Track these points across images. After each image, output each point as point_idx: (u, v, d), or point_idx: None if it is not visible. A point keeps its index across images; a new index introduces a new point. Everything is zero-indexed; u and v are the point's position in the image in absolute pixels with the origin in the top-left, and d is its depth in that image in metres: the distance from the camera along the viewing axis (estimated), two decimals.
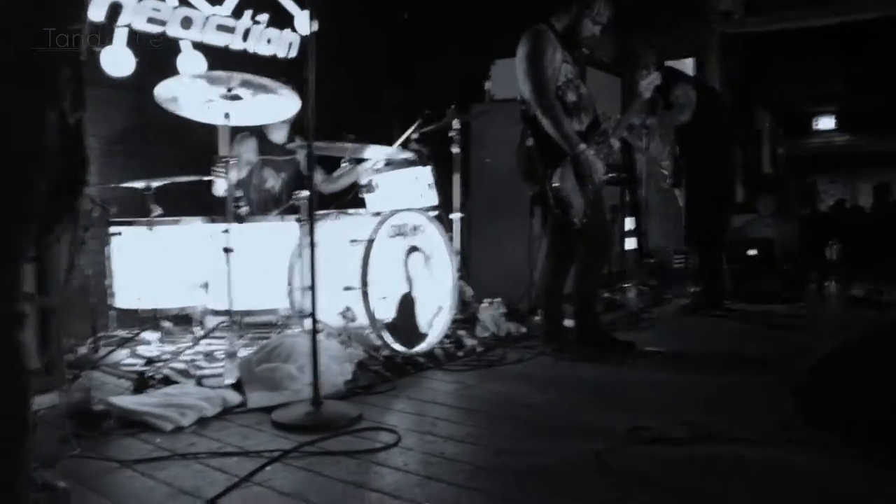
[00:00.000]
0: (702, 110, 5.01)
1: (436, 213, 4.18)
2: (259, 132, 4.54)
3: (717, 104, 5.32)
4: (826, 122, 14.35)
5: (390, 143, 4.31)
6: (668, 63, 5.38)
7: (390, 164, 4.31)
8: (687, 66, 6.88)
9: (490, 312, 4.24)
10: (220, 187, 4.19)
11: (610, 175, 3.75)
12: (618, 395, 3.07)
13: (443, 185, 4.42)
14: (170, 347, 3.47)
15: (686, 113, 4.97)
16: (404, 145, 4.46)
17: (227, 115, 3.39)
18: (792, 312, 5.22)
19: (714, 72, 7.11)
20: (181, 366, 3.22)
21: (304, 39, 5.49)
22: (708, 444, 2.34)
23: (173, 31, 4.73)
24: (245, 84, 3.35)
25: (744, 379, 3.34)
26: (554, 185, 3.61)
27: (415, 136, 4.70)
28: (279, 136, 4.62)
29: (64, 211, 1.55)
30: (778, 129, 7.98)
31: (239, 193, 4.27)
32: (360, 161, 4.29)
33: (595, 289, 4.01)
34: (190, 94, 3.41)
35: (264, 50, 5.34)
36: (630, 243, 6.42)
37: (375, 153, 4.14)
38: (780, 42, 7.31)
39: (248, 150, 4.50)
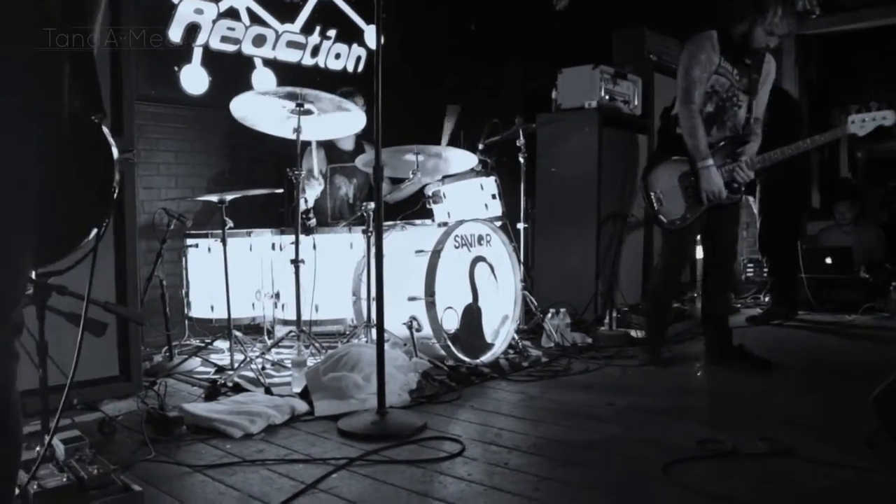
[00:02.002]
0: (775, 114, 4.85)
1: (501, 223, 4.19)
2: (328, 142, 4.65)
3: (791, 107, 5.15)
4: None
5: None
6: None
7: (455, 174, 4.34)
8: None
9: (555, 322, 4.20)
10: (310, 198, 4.37)
11: (732, 196, 3.58)
12: (688, 406, 3.00)
13: (508, 194, 4.42)
14: (240, 356, 3.57)
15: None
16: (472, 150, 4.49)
17: (297, 130, 3.49)
18: (874, 323, 4.99)
19: (790, 74, 6.89)
20: (251, 374, 3.31)
21: (371, 53, 5.59)
22: (784, 460, 2.26)
23: (247, 49, 4.89)
24: (316, 100, 3.45)
25: (823, 392, 3.23)
26: (646, 178, 3.77)
27: (481, 145, 4.72)
28: (348, 144, 4.75)
29: (92, 221, 1.37)
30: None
31: (312, 204, 4.41)
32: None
33: (724, 306, 3.87)
34: (262, 109, 3.53)
35: (334, 65, 5.46)
36: (699, 252, 6.25)
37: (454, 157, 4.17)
38: (859, 41, 7.01)
39: (319, 160, 4.63)
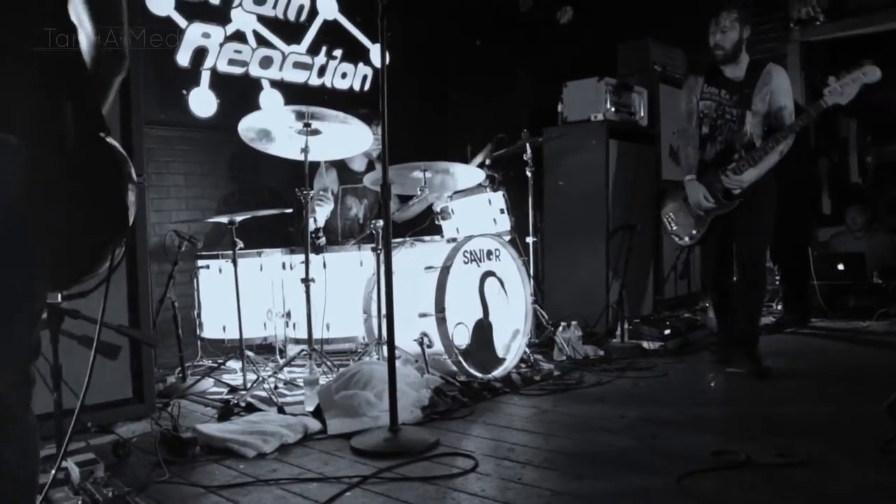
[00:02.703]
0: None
1: (509, 237, 4.19)
2: (340, 162, 4.68)
3: (797, 114, 5.14)
4: None
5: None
6: None
7: (463, 190, 4.36)
8: None
9: (566, 335, 4.19)
10: (320, 217, 4.41)
11: (725, 202, 3.77)
12: (701, 417, 2.99)
13: (516, 208, 4.43)
14: (252, 376, 3.58)
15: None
16: (479, 167, 4.51)
17: (304, 150, 3.52)
18: (888, 329, 4.95)
19: (795, 81, 6.88)
20: (264, 393, 3.32)
21: (377, 71, 5.63)
22: (799, 470, 2.25)
23: (254, 71, 4.94)
24: (321, 118, 3.49)
25: (838, 399, 3.21)
26: (659, 205, 4.23)
27: (487, 160, 4.73)
28: (359, 165, 4.77)
29: (109, 242, 1.36)
30: (865, 136, 7.63)
31: (322, 223, 4.44)
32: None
33: (753, 318, 3.89)
34: (270, 129, 3.57)
35: (340, 84, 5.51)
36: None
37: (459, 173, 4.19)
38: (865, 46, 7.00)
39: (331, 181, 4.66)
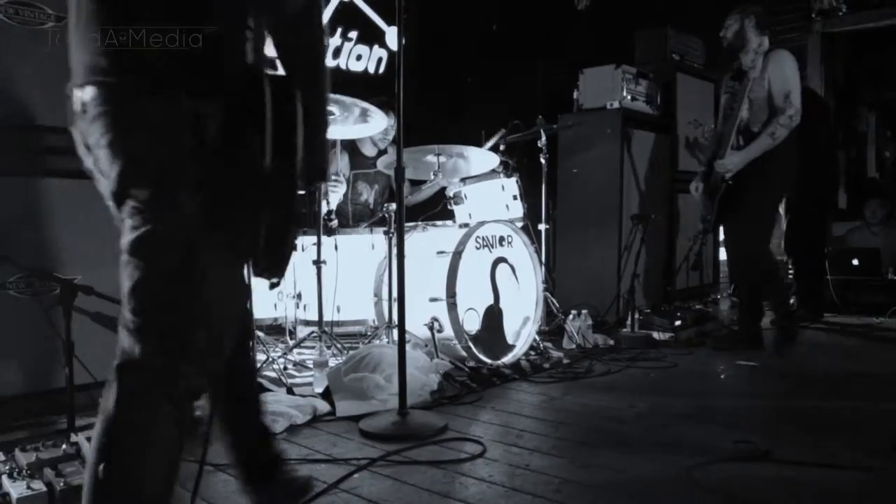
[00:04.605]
0: (801, 114, 4.80)
1: (522, 224, 4.17)
2: (351, 146, 4.66)
3: (817, 106, 5.09)
4: None
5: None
6: None
7: (476, 175, 4.34)
8: None
9: (577, 324, 4.19)
10: (333, 200, 4.40)
11: (712, 188, 4.13)
12: (711, 408, 2.97)
13: (529, 195, 4.40)
14: (262, 356, 3.59)
15: None
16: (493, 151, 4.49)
17: None
18: None
19: (815, 73, 6.81)
20: (273, 374, 3.33)
21: (393, 54, 5.60)
22: (807, 465, 2.23)
23: (269, 51, 4.90)
24: (337, 104, 3.48)
25: (849, 395, 3.19)
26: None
27: (502, 145, 4.71)
28: (370, 150, 4.75)
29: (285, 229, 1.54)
30: (884, 130, 7.55)
31: (334, 206, 4.44)
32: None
33: (748, 292, 4.19)
34: None
35: (355, 66, 5.48)
36: (723, 253, 6.21)
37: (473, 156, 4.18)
38: (886, 39, 6.91)
39: (343, 165, 4.64)
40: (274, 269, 1.51)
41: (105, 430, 1.27)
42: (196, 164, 1.32)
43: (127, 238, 1.30)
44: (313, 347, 3.60)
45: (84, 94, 1.31)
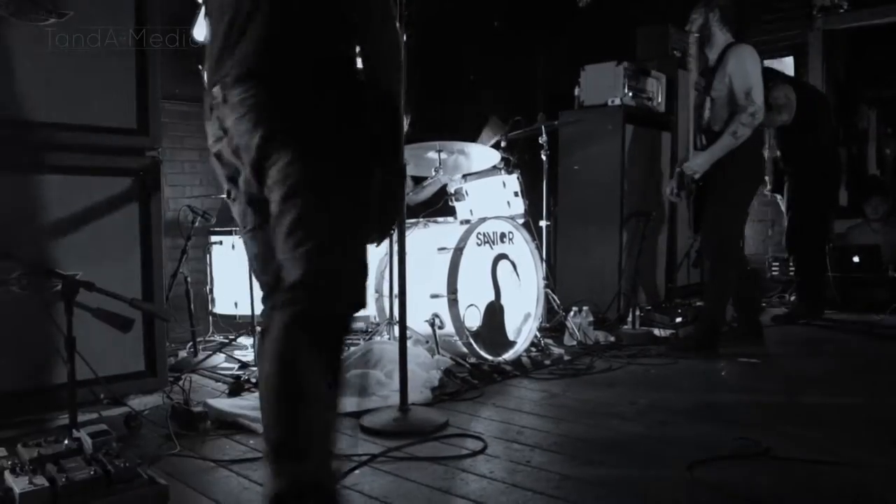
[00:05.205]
0: (803, 110, 4.79)
1: (523, 220, 4.17)
2: None
3: (818, 103, 5.08)
4: None
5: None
6: (767, 63, 5.16)
7: (477, 171, 4.34)
8: (786, 64, 6.60)
9: (577, 321, 4.19)
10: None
11: (675, 196, 4.16)
12: (712, 405, 2.98)
13: (530, 192, 4.40)
14: None
15: (785, 114, 4.76)
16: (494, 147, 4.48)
17: None
18: None
19: (816, 70, 6.79)
20: None
21: None
22: (809, 460, 2.24)
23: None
24: None
25: (850, 391, 3.19)
26: None
27: (503, 142, 4.70)
28: None
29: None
30: (885, 127, 7.53)
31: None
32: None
33: (713, 305, 4.08)
34: None
35: (357, 64, 5.45)
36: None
37: (474, 152, 4.18)
38: (887, 35, 6.89)
39: None
40: (385, 227, 1.76)
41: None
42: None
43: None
44: None
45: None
